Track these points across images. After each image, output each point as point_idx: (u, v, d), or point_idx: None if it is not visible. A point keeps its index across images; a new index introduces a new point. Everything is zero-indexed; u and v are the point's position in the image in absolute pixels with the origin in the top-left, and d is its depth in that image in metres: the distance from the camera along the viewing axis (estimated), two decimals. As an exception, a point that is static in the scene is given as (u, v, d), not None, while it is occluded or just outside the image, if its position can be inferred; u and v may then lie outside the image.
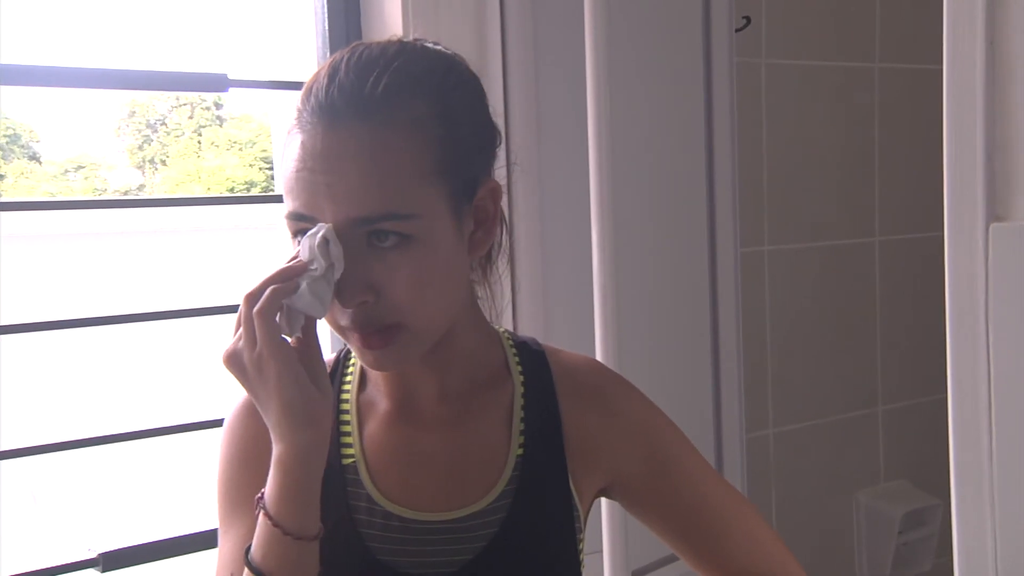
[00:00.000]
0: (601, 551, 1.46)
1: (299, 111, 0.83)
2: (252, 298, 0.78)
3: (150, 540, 1.41)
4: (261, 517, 0.79)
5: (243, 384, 0.80)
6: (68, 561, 1.38)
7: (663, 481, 0.95)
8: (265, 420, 0.79)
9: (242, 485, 0.91)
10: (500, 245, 0.96)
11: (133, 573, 1.39)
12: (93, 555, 1.38)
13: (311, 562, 0.80)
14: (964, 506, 0.89)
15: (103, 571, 1.37)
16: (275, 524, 0.78)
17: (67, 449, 1.41)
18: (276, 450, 0.78)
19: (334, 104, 0.80)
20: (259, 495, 0.80)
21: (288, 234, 0.84)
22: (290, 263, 0.80)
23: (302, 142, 0.81)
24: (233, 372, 0.80)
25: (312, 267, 0.79)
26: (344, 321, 0.83)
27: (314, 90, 0.82)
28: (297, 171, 0.80)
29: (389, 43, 0.86)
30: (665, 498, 0.95)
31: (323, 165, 0.79)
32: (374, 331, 0.82)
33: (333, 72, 0.82)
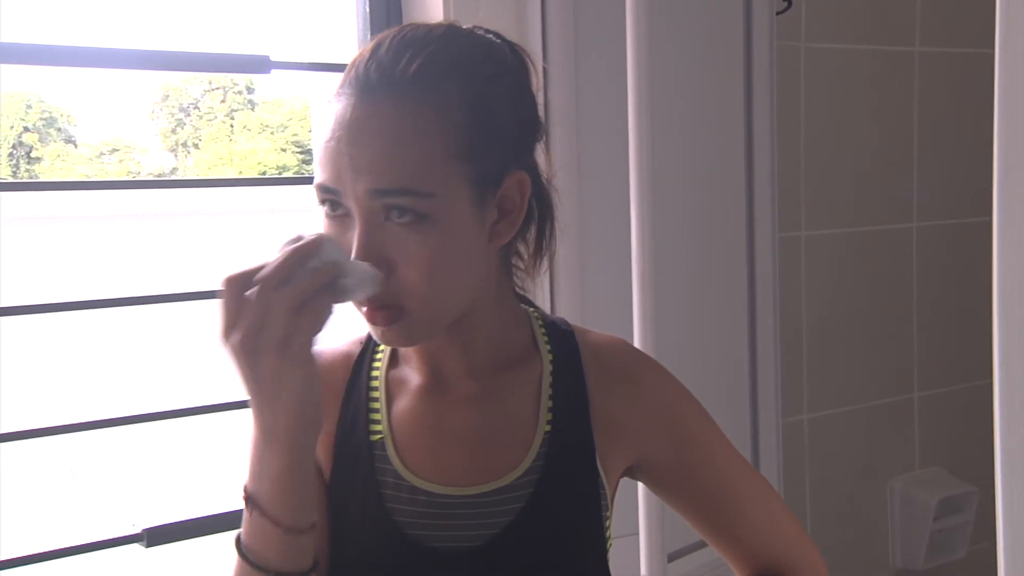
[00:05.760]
0: (636, 533, 1.46)
1: (340, 83, 0.85)
2: (279, 281, 0.73)
3: (194, 516, 1.42)
4: (254, 513, 0.77)
5: (247, 373, 0.74)
6: (112, 536, 1.40)
7: (685, 465, 0.97)
8: (257, 406, 0.75)
9: None
10: (550, 241, 0.97)
11: (176, 549, 1.41)
12: (137, 531, 1.40)
13: (307, 550, 0.79)
14: (1010, 493, 0.89)
15: (147, 546, 1.39)
16: (273, 522, 0.76)
17: (106, 427, 1.43)
18: (277, 448, 0.75)
19: (369, 78, 0.82)
20: (245, 492, 0.78)
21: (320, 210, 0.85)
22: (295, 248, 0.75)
23: (335, 112, 0.83)
24: (242, 358, 0.73)
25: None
26: None
27: (356, 64, 0.84)
28: (327, 141, 0.82)
29: (438, 26, 0.88)
30: (686, 482, 0.98)
31: (348, 136, 0.81)
32: (380, 308, 0.82)
33: (376, 48, 0.84)
